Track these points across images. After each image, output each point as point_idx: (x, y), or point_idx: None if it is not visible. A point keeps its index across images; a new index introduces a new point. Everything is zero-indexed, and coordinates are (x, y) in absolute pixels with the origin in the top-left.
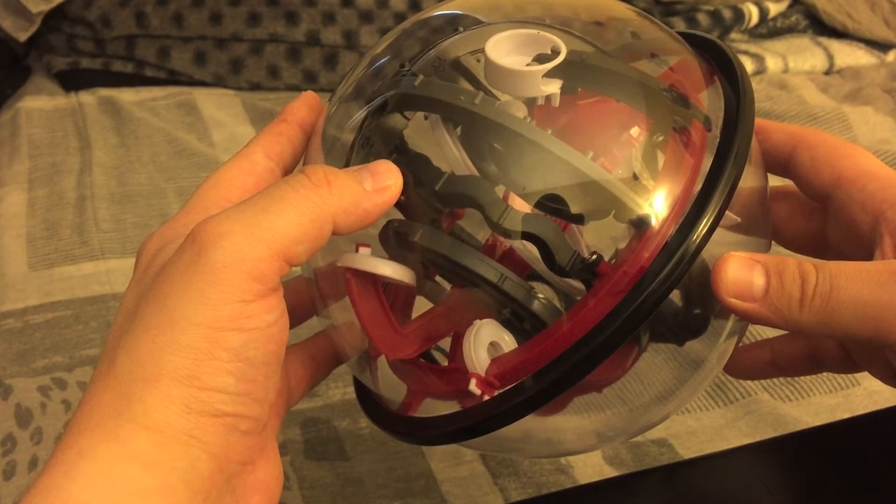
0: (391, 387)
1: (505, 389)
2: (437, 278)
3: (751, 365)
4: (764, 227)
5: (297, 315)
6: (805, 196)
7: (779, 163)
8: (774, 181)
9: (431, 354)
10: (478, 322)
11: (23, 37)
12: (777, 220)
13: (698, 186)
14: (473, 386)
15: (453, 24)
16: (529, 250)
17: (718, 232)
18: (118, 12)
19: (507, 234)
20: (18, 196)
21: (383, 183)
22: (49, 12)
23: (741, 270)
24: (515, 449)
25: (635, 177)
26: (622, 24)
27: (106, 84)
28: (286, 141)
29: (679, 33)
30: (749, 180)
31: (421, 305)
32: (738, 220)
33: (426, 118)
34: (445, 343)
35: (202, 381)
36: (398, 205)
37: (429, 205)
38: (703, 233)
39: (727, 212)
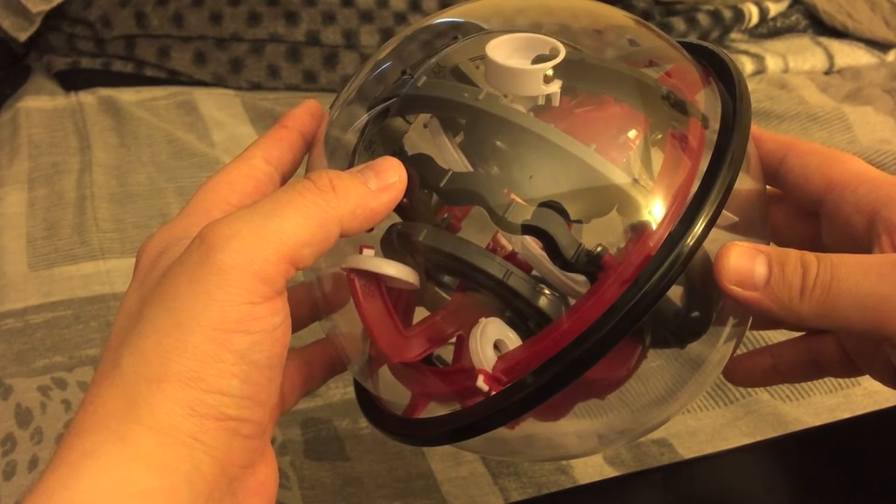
0: (393, 391)
1: (505, 387)
2: (437, 288)
3: (752, 371)
4: (762, 228)
5: (296, 321)
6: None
7: (768, 171)
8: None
9: (432, 360)
10: (483, 320)
11: (23, 37)
12: (774, 223)
13: (696, 185)
14: (481, 382)
15: (454, 31)
16: (531, 250)
17: (717, 232)
18: (118, 12)
19: (512, 228)
20: (18, 196)
21: (388, 181)
22: (49, 12)
23: (743, 259)
24: (517, 452)
25: (634, 179)
26: (620, 31)
27: (106, 84)
28: (286, 147)
29: (676, 41)
30: (747, 181)
31: (422, 311)
32: (736, 218)
33: (425, 126)
34: (445, 353)
35: (208, 383)
36: (400, 208)
37: (431, 208)
38: (702, 228)
39: (725, 211)
